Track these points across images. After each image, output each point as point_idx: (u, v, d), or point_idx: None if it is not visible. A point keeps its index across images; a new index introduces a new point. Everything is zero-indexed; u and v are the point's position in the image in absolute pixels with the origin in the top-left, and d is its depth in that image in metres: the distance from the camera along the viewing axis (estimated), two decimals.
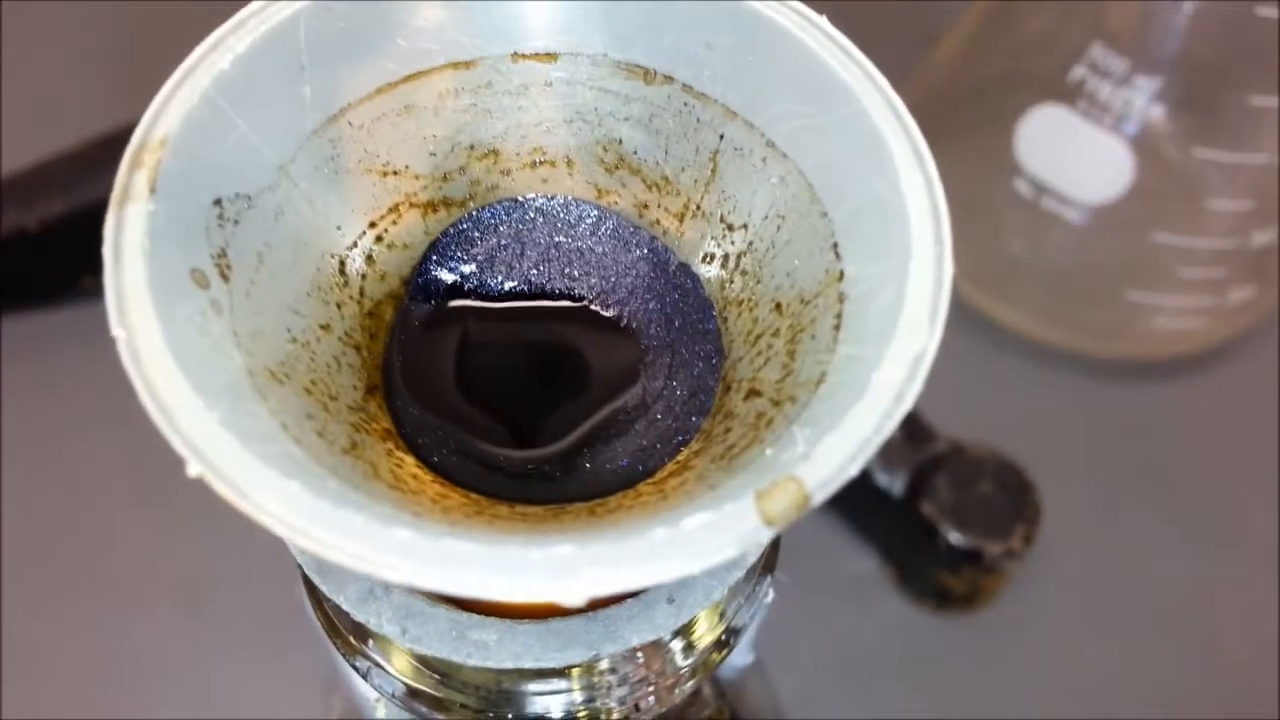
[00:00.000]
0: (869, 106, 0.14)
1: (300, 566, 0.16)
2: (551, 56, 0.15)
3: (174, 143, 0.13)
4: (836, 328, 0.13)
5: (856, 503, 0.36)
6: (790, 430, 0.12)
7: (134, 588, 0.34)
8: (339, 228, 0.15)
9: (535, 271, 0.16)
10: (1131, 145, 0.36)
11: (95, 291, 0.39)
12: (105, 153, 0.38)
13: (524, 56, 0.15)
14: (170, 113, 0.13)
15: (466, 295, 0.16)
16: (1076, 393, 0.38)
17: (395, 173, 0.15)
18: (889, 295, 0.13)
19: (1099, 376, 0.39)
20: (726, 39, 0.15)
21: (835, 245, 0.14)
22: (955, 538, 0.34)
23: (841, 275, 0.14)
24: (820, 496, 0.11)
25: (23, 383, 0.36)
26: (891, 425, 0.12)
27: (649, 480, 0.14)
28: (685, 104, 0.15)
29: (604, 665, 0.15)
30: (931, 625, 0.36)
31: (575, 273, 0.16)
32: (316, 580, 0.15)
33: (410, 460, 0.14)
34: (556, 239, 0.16)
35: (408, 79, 0.15)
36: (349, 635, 0.16)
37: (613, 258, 0.16)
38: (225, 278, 0.13)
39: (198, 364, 0.12)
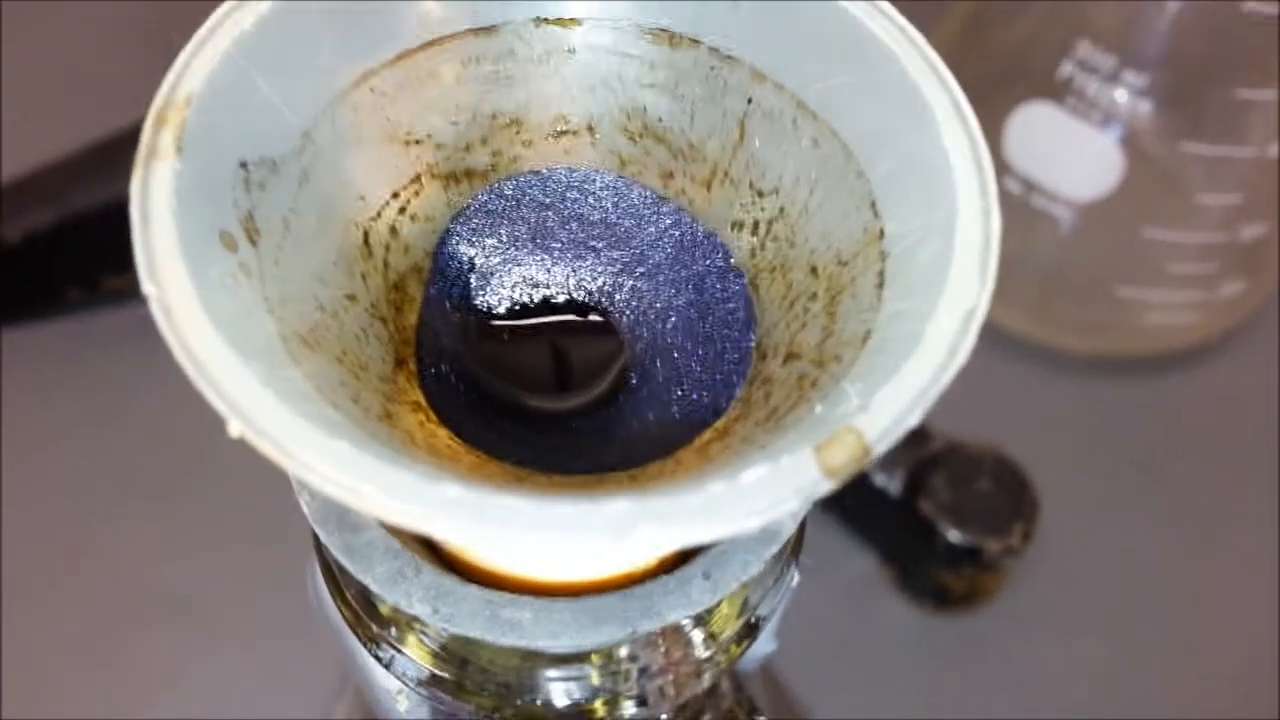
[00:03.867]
0: (907, 64, 0.14)
1: (321, 554, 0.15)
2: (574, 22, 0.15)
3: (198, 102, 0.13)
4: (880, 285, 0.13)
5: (855, 503, 0.36)
6: (839, 387, 0.12)
7: (131, 600, 0.33)
8: (362, 197, 0.15)
9: (559, 245, 0.16)
10: (1120, 142, 0.36)
11: (82, 304, 0.39)
12: (90, 164, 0.37)
13: (547, 22, 0.15)
14: (194, 72, 0.13)
15: (490, 270, 0.16)
16: (1071, 389, 0.38)
17: (418, 141, 0.15)
18: (934, 249, 0.13)
19: (1093, 373, 0.39)
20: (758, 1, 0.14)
21: (874, 204, 0.14)
22: (954, 536, 0.34)
23: (882, 233, 0.13)
24: (881, 447, 0.11)
25: (15, 395, 0.36)
26: (948, 377, 0.11)
27: (688, 447, 0.14)
28: (711, 68, 0.15)
29: (625, 652, 0.15)
30: (931, 625, 0.36)
31: (600, 245, 0.16)
32: (345, 561, 0.14)
33: (443, 433, 0.14)
34: (580, 211, 0.16)
35: (429, 44, 0.15)
36: (371, 623, 0.15)
37: (639, 229, 0.16)
38: (253, 242, 0.13)
39: (231, 324, 0.11)
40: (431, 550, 0.14)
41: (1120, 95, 0.35)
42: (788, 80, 0.15)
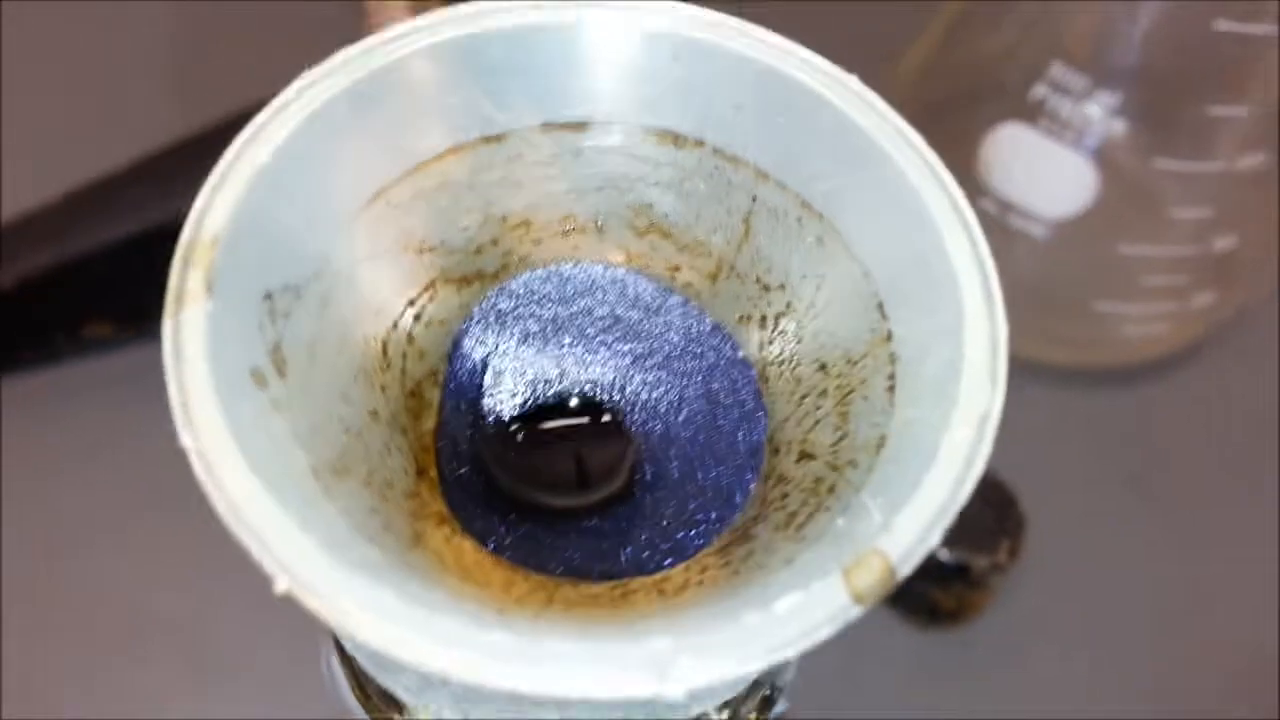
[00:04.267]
0: (904, 166, 0.14)
1: (339, 645, 0.16)
2: (582, 126, 0.15)
3: (225, 240, 0.13)
4: (891, 389, 0.13)
5: None
6: (859, 499, 0.13)
7: (132, 634, 0.33)
8: (380, 310, 0.15)
9: (569, 340, 0.16)
10: (1093, 160, 0.37)
11: (101, 340, 0.38)
12: (92, 203, 0.37)
13: (555, 127, 0.15)
14: (217, 208, 0.13)
15: (503, 368, 0.16)
16: (1051, 404, 0.39)
17: (431, 249, 0.15)
18: (943, 355, 0.13)
19: (1072, 386, 0.39)
20: (755, 101, 0.15)
21: (880, 305, 0.14)
22: (942, 554, 0.35)
23: (890, 335, 0.14)
24: (905, 569, 0.11)
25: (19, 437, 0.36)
26: (966, 491, 0.12)
27: (709, 550, 0.14)
28: (716, 167, 0.15)
29: None
30: (922, 640, 0.36)
31: (610, 338, 0.16)
32: (373, 671, 0.15)
33: (468, 545, 0.14)
34: (589, 306, 0.16)
35: (441, 156, 0.15)
36: (389, 712, 0.16)
37: (646, 321, 0.16)
38: (281, 374, 0.13)
39: (269, 469, 0.12)
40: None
41: (1093, 114, 0.36)
42: (790, 180, 0.15)
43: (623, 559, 0.14)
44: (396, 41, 0.14)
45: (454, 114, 0.15)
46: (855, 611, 0.11)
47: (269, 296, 0.13)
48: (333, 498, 0.12)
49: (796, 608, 0.11)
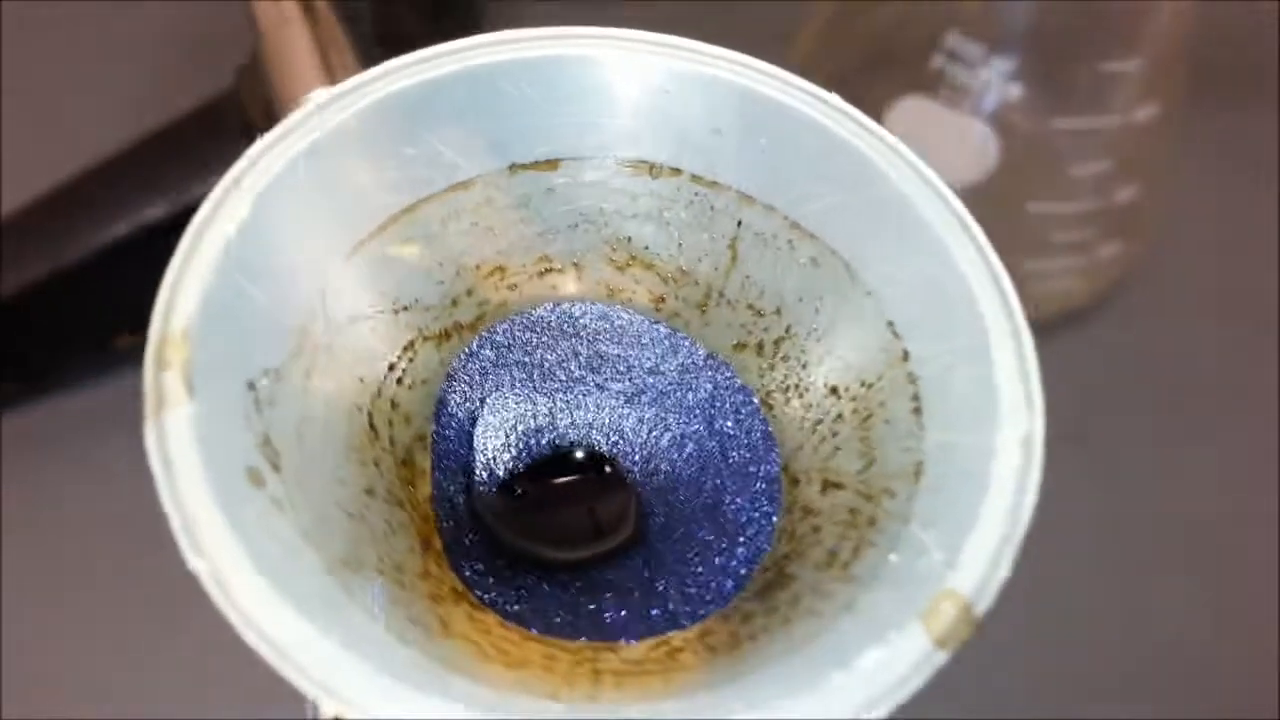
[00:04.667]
0: (899, 183, 0.14)
1: None
2: (551, 165, 0.15)
3: (196, 331, 0.12)
4: (917, 410, 0.13)
5: None
6: (908, 531, 0.12)
7: (133, 633, 0.32)
8: (361, 378, 0.14)
9: (556, 384, 0.15)
10: (994, 125, 0.37)
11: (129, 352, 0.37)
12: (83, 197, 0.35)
13: (523, 167, 0.14)
14: (184, 296, 0.12)
15: (489, 424, 0.15)
16: None
17: (406, 308, 0.14)
18: (970, 375, 0.13)
19: None
20: (735, 124, 0.14)
21: (890, 323, 0.13)
22: None
23: (906, 354, 0.13)
24: (982, 606, 0.11)
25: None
26: (1024, 519, 0.11)
27: (745, 596, 0.13)
28: (696, 193, 0.15)
29: None
30: None
31: (598, 379, 0.15)
32: None
33: (491, 618, 0.13)
34: (572, 347, 0.15)
35: (408, 210, 0.14)
36: None
37: (636, 357, 0.15)
38: (276, 468, 0.12)
39: (287, 579, 0.11)
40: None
41: (991, 80, 0.36)
42: (777, 202, 0.14)
43: (653, 613, 0.14)
44: (347, 97, 0.13)
45: (415, 165, 0.14)
46: (940, 658, 0.11)
47: (251, 386, 0.12)
48: (354, 596, 0.11)
49: (881, 663, 0.11)
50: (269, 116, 0.37)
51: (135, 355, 0.34)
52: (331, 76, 0.25)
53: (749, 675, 0.11)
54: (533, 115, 0.14)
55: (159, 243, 0.38)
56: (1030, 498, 0.11)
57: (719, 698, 0.11)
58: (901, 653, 0.11)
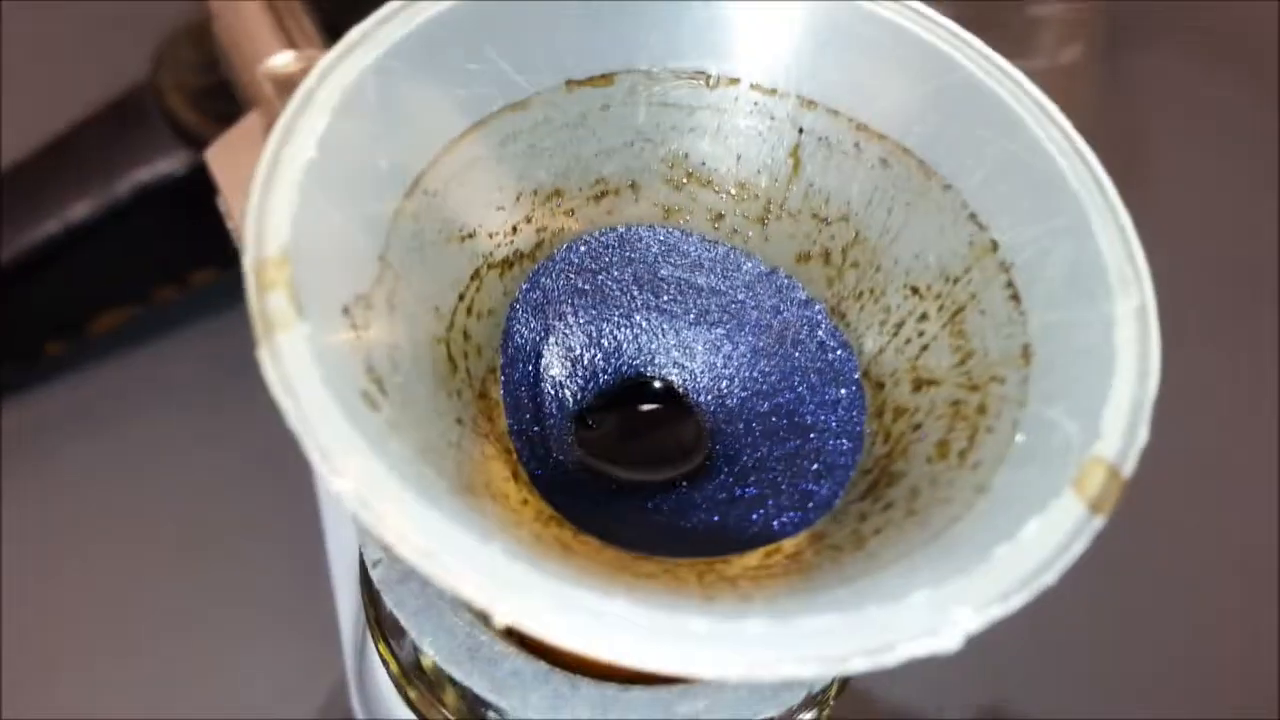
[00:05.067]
0: (973, 69, 0.14)
1: (468, 692, 0.14)
2: (606, 80, 0.14)
3: (294, 252, 0.11)
4: (1015, 297, 0.13)
5: None
6: (1027, 412, 0.12)
7: (132, 633, 0.30)
8: (437, 308, 0.13)
9: (616, 311, 0.15)
10: None
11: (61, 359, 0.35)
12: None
13: (578, 84, 0.14)
14: (274, 219, 0.11)
15: (555, 352, 0.15)
16: None
17: (471, 235, 0.14)
18: (1067, 254, 0.13)
19: None
20: (794, 26, 0.14)
21: (973, 215, 0.13)
22: None
23: (995, 244, 0.13)
24: (1128, 468, 0.11)
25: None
26: (1153, 385, 0.11)
27: (852, 498, 0.13)
28: (755, 103, 0.14)
29: None
30: None
31: (661, 302, 0.15)
32: (494, 698, 0.13)
33: (593, 542, 0.13)
34: (633, 272, 0.15)
35: (470, 130, 0.13)
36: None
37: (697, 278, 0.15)
38: (384, 392, 0.11)
39: (431, 495, 0.10)
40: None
41: None
42: (841, 104, 0.14)
43: (752, 524, 0.13)
44: (410, 9, 0.13)
45: (476, 82, 0.13)
46: (1097, 523, 0.11)
47: (346, 310, 0.11)
48: (487, 516, 0.11)
49: (1043, 532, 0.10)
50: (191, 103, 0.35)
51: (67, 362, 0.33)
52: (291, 41, 0.24)
53: (900, 561, 0.11)
54: (588, 28, 0.14)
55: (87, 242, 0.36)
56: (1155, 363, 0.12)
57: (883, 580, 0.10)
58: (1060, 521, 0.11)
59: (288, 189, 0.11)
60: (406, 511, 0.10)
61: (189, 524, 0.33)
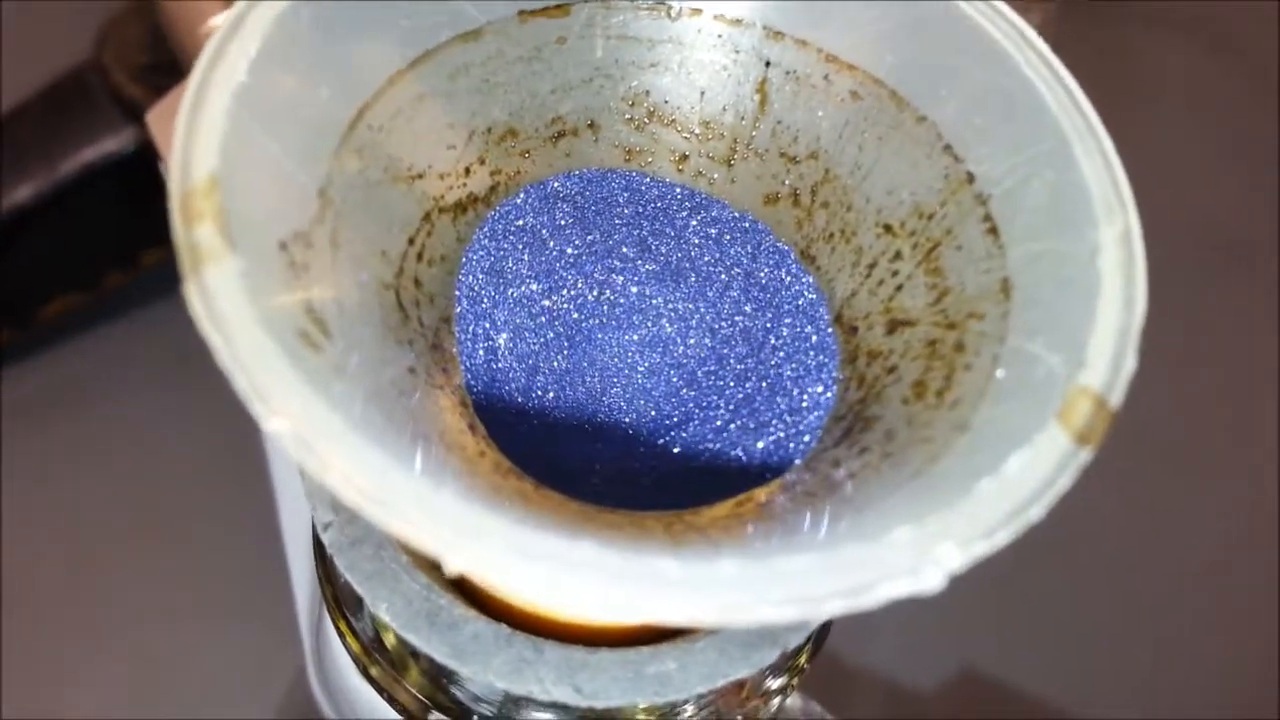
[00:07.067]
0: None
1: (430, 666, 0.13)
2: (562, 9, 0.13)
3: (224, 181, 0.10)
4: (992, 230, 0.12)
5: None
6: (1007, 347, 0.11)
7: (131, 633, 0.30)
8: (384, 252, 0.12)
9: (576, 260, 0.14)
10: None
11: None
12: None
13: (532, 14, 0.13)
14: (201, 143, 0.10)
15: (514, 304, 0.14)
16: None
17: (420, 175, 0.13)
18: (1051, 182, 0.12)
19: None
20: None
21: (948, 147, 0.13)
22: None
23: (971, 177, 0.13)
24: (1116, 398, 0.10)
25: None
26: (1140, 310, 0.11)
27: (828, 445, 0.13)
28: (719, 35, 0.14)
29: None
30: None
31: (624, 249, 0.14)
32: (455, 664, 0.13)
33: (555, 495, 0.12)
34: (593, 218, 0.14)
35: (416, 62, 0.13)
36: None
37: (661, 224, 0.14)
38: (327, 334, 0.10)
39: (379, 438, 0.09)
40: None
41: None
42: (811, 34, 0.13)
43: (722, 475, 0.13)
44: None
45: (422, 10, 0.13)
46: (1085, 455, 0.10)
47: (284, 246, 0.11)
48: (444, 464, 0.10)
49: (1026, 465, 0.10)
50: (138, 78, 0.34)
51: (16, 351, 0.31)
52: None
53: (879, 502, 0.10)
54: None
55: (32, 227, 0.35)
56: (1141, 289, 0.11)
57: (861, 520, 0.10)
58: (1044, 453, 0.10)
59: (216, 114, 0.10)
60: (352, 453, 0.09)
61: (145, 511, 0.33)
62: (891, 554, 0.09)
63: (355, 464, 0.09)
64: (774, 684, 0.15)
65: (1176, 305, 0.38)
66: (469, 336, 0.13)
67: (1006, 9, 0.13)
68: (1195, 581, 0.33)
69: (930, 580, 0.09)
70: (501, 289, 0.14)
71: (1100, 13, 0.44)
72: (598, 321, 0.14)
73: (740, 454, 0.13)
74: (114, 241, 0.36)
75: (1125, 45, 0.44)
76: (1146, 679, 0.31)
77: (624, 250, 0.14)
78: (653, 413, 0.14)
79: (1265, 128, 0.42)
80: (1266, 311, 0.39)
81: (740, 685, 0.14)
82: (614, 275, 0.14)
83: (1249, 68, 0.44)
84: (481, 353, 0.13)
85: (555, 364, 0.14)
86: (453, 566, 0.09)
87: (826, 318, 0.14)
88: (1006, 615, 0.32)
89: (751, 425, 0.13)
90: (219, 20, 0.23)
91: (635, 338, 0.14)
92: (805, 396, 0.13)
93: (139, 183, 0.33)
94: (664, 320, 0.14)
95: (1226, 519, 0.34)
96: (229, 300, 0.10)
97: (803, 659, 0.15)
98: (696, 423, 0.13)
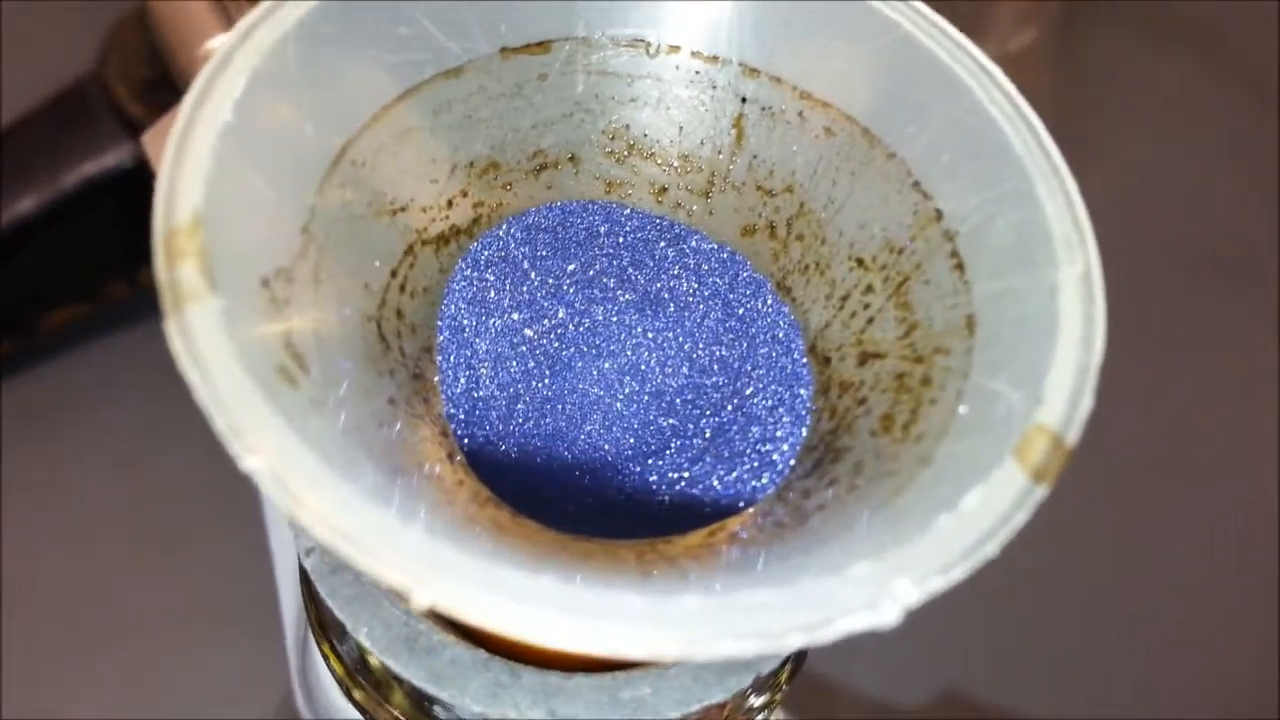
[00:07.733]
0: (912, 30, 0.13)
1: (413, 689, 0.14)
2: (543, 47, 0.14)
3: (207, 220, 0.10)
4: (959, 267, 0.13)
5: None
6: (970, 384, 0.12)
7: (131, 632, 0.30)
8: (367, 285, 0.13)
9: (557, 291, 0.15)
10: None
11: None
12: None
13: (514, 51, 0.14)
14: (187, 182, 0.11)
15: (495, 334, 0.14)
16: None
17: (403, 209, 0.13)
18: (1014, 220, 0.12)
19: None
20: None
21: (917, 184, 0.13)
22: None
23: (939, 214, 0.13)
24: (1072, 435, 0.11)
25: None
26: (1098, 349, 0.11)
27: (798, 476, 0.13)
28: (696, 71, 0.14)
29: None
30: None
31: (604, 280, 0.15)
32: (433, 688, 0.13)
33: (532, 524, 0.12)
34: (574, 249, 0.15)
35: (401, 98, 0.13)
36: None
37: (641, 255, 0.15)
38: (304, 369, 0.11)
39: (353, 475, 0.10)
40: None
41: None
42: (785, 72, 0.14)
43: (695, 505, 0.13)
44: None
45: (407, 48, 0.13)
46: (1040, 492, 0.10)
47: (266, 283, 0.11)
48: (417, 497, 0.10)
49: (984, 502, 0.10)
50: (139, 94, 0.34)
51: (16, 361, 0.32)
52: (231, 23, 0.24)
53: (842, 535, 0.11)
54: None
55: (34, 239, 0.35)
56: (1099, 328, 0.11)
57: (824, 554, 0.10)
58: (1002, 490, 0.10)
59: (202, 152, 0.11)
60: (326, 491, 0.09)
61: (144, 519, 0.33)
62: (850, 589, 0.10)
63: (329, 501, 0.09)
64: (756, 702, 0.15)
65: (1171, 317, 0.38)
66: (450, 366, 0.14)
67: (974, 49, 0.13)
68: (1182, 599, 0.33)
69: (886, 616, 0.09)
70: (483, 318, 0.14)
71: (1099, 23, 0.45)
72: (578, 350, 0.14)
73: (715, 483, 0.13)
74: (115, 254, 0.36)
75: (1124, 55, 0.45)
76: (1132, 697, 0.31)
77: (604, 280, 0.15)
78: (631, 441, 0.14)
79: (1263, 138, 0.43)
80: (1264, 323, 0.39)
81: (721, 705, 0.14)
82: (594, 305, 0.15)
83: (1247, 78, 0.45)
84: (463, 382, 0.14)
85: (536, 393, 0.14)
86: (419, 602, 0.09)
87: (801, 348, 0.14)
88: (992, 632, 0.32)
89: (726, 454, 0.14)
90: (216, 43, 0.24)
91: (614, 366, 0.14)
92: (779, 426, 0.14)
93: (139, 197, 0.33)
94: (643, 349, 0.14)
95: (1217, 536, 0.35)
96: (208, 339, 0.10)
97: (783, 678, 0.15)
98: (673, 451, 0.14)
